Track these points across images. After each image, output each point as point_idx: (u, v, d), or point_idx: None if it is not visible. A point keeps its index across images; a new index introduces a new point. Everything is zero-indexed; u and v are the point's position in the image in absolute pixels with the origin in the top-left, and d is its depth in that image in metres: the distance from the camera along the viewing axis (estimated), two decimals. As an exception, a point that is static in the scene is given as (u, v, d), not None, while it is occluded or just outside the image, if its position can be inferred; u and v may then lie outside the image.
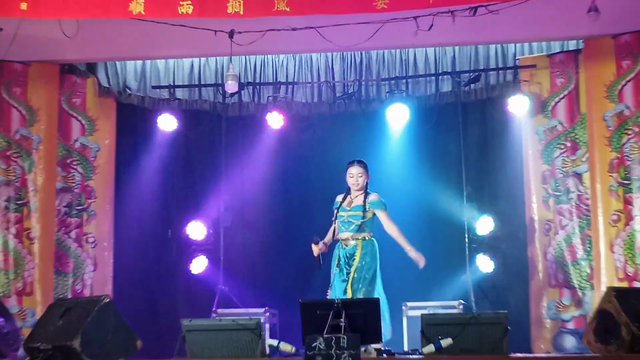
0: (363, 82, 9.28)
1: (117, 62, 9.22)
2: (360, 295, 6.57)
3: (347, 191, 6.97)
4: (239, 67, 9.17)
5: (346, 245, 6.81)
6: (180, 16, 6.80)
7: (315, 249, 6.77)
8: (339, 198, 6.99)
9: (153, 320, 8.68)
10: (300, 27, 7.66)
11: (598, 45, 8.32)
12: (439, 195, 8.78)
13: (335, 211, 6.93)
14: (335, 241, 7.02)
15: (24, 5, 6.74)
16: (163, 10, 6.80)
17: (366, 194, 6.86)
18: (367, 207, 6.79)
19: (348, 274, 6.72)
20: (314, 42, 7.86)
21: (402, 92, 9.11)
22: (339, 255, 6.83)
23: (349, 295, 6.57)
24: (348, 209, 6.85)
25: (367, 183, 6.97)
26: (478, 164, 9.12)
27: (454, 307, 7.91)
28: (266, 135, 9.31)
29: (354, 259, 6.72)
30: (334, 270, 6.80)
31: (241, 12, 6.71)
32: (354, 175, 6.89)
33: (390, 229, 6.82)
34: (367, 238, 6.80)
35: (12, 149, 8.59)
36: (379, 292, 6.70)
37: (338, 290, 6.68)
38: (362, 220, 6.76)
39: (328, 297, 6.63)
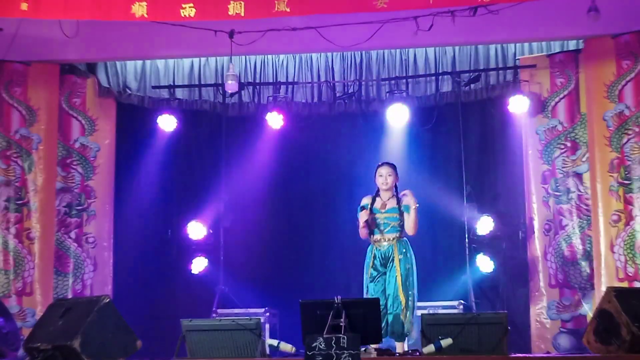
0: (363, 82, 9.27)
1: (117, 62, 9.21)
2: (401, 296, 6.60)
3: (376, 193, 6.92)
4: (239, 67, 9.17)
5: (380, 247, 6.75)
6: (182, 19, 6.81)
7: (364, 215, 6.72)
8: (367, 200, 6.90)
9: (153, 320, 8.67)
10: (300, 27, 7.67)
11: (598, 45, 8.32)
12: (439, 195, 8.78)
13: (365, 213, 6.78)
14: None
15: (24, 6, 6.74)
16: (165, 13, 6.82)
17: (398, 198, 6.84)
18: (401, 209, 6.76)
19: (383, 275, 6.70)
20: (314, 42, 7.87)
21: (402, 92, 9.11)
22: (373, 256, 6.76)
23: (401, 297, 6.56)
24: (383, 211, 6.80)
25: (396, 185, 6.93)
26: (478, 164, 9.12)
27: (454, 307, 7.92)
28: (266, 135, 9.31)
29: (392, 259, 6.70)
30: (368, 274, 6.75)
31: (242, 14, 6.73)
32: (384, 175, 6.84)
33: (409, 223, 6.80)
34: (400, 238, 6.79)
35: (12, 149, 8.59)
36: (414, 292, 6.69)
37: (372, 291, 6.64)
38: (399, 222, 6.74)
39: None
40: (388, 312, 6.54)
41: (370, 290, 6.68)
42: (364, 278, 6.81)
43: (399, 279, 6.63)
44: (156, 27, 7.39)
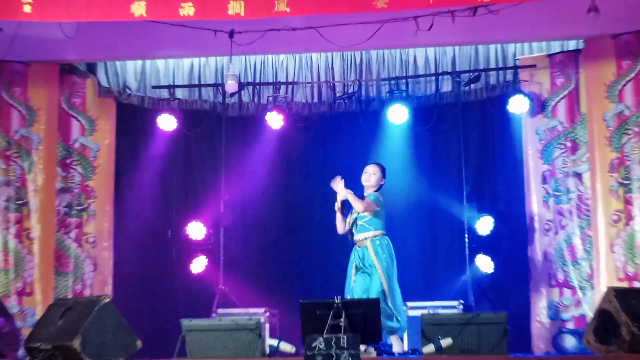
0: (363, 82, 9.28)
1: (117, 62, 9.22)
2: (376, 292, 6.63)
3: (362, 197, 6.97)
4: (239, 67, 9.18)
5: (359, 247, 6.87)
6: (181, 18, 6.81)
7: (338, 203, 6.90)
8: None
9: (153, 320, 8.68)
10: (300, 27, 7.67)
11: (598, 45, 8.32)
12: (439, 195, 8.78)
13: (349, 214, 6.96)
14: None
15: (27, 8, 6.75)
16: (164, 12, 6.82)
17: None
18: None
19: (364, 272, 6.76)
20: (314, 42, 7.87)
21: (402, 92, 9.11)
22: (352, 256, 6.90)
23: (385, 288, 6.63)
24: (355, 211, 6.88)
25: (381, 185, 6.99)
26: (478, 164, 9.12)
27: (454, 307, 7.92)
28: (266, 135, 9.31)
29: (368, 258, 6.73)
30: (352, 272, 6.85)
31: (242, 13, 6.72)
32: (368, 172, 6.96)
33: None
34: (375, 236, 6.81)
35: (12, 149, 8.59)
36: (394, 289, 6.73)
37: (351, 290, 6.73)
38: (368, 218, 6.80)
39: (348, 297, 6.73)
40: None
41: (351, 290, 6.73)
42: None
43: (381, 275, 6.66)
44: (156, 27, 7.39)
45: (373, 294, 6.58)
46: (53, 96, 8.81)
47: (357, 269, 6.81)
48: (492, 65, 9.06)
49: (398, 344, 6.67)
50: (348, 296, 6.73)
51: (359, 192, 7.08)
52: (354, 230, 6.93)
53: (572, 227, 8.41)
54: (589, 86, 8.42)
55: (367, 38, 7.54)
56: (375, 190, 6.94)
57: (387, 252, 6.78)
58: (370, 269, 6.74)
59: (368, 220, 6.84)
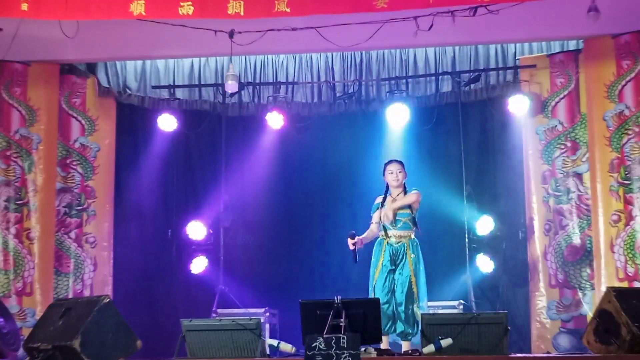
0: (363, 82, 9.28)
1: (117, 62, 9.22)
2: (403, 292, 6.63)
3: (386, 191, 6.96)
4: (239, 67, 9.18)
5: (394, 243, 6.80)
6: (180, 17, 6.81)
7: (350, 243, 6.74)
8: (379, 200, 6.97)
9: (153, 320, 8.69)
10: (300, 27, 7.67)
11: (598, 45, 8.32)
12: (439, 195, 8.78)
13: (379, 211, 6.87)
14: (372, 240, 6.97)
15: (24, 6, 6.75)
16: (163, 11, 6.82)
17: (406, 192, 6.89)
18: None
19: (394, 270, 6.73)
20: (314, 42, 7.87)
21: (402, 92, 9.12)
22: (383, 253, 6.80)
23: (415, 292, 6.63)
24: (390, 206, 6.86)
25: (405, 181, 6.97)
26: (478, 164, 9.13)
27: (454, 307, 7.92)
28: (266, 135, 9.32)
29: (403, 257, 6.72)
30: (377, 268, 6.79)
31: (242, 13, 6.73)
32: (394, 172, 6.91)
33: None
34: (412, 237, 6.82)
35: (12, 149, 8.59)
36: (423, 291, 6.73)
37: (379, 288, 6.69)
38: (410, 217, 6.79)
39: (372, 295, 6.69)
40: (399, 309, 6.57)
41: (377, 288, 6.70)
42: (371, 273, 6.82)
43: (412, 276, 6.65)
44: (156, 27, 7.39)
45: (403, 294, 6.60)
46: (53, 96, 8.80)
47: (384, 265, 6.77)
48: (492, 65, 9.05)
49: (407, 345, 6.65)
50: (372, 294, 6.70)
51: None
52: (390, 226, 6.81)
53: (572, 227, 8.41)
54: (588, 86, 8.42)
55: (367, 38, 7.54)
56: (404, 187, 6.92)
57: (417, 254, 6.79)
58: (399, 268, 6.73)
59: (412, 219, 6.82)
